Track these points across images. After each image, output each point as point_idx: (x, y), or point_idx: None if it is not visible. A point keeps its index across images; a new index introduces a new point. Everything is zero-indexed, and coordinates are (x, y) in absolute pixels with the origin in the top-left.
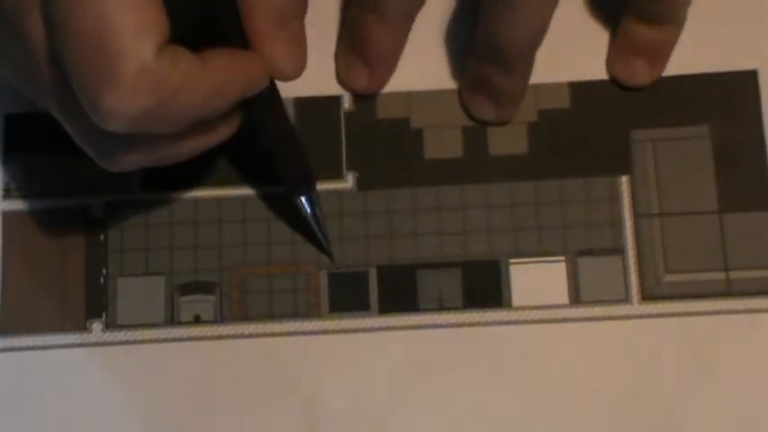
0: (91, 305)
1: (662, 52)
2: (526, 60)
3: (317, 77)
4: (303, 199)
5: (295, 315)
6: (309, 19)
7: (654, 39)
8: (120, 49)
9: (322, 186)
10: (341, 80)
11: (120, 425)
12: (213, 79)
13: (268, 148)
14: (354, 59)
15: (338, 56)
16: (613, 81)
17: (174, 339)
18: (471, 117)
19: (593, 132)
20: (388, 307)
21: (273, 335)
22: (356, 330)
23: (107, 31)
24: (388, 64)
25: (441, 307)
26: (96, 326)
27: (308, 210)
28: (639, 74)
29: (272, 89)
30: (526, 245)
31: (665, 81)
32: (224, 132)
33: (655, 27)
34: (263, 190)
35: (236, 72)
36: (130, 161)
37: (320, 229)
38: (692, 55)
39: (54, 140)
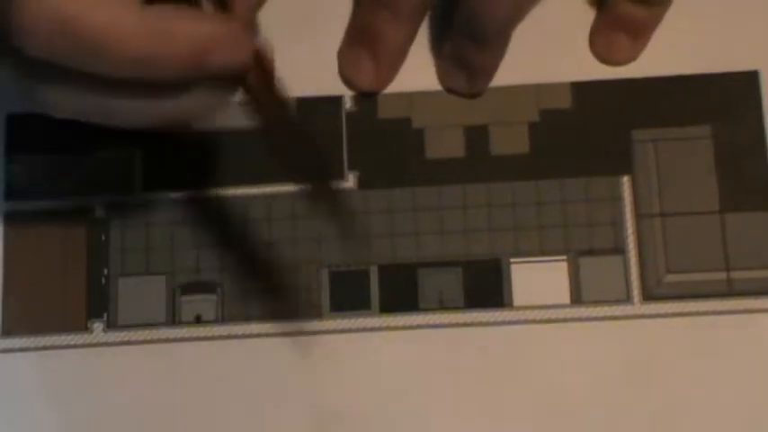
0: (92, 305)
1: (645, 30)
2: (502, 37)
3: (319, 77)
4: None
5: (296, 315)
6: (310, 19)
7: (639, 17)
8: None
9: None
10: (344, 76)
11: (122, 425)
12: (148, 18)
13: (278, 141)
14: (362, 54)
15: (343, 51)
16: (597, 58)
17: (175, 339)
18: (444, 87)
19: (594, 132)
20: (388, 306)
21: (274, 335)
22: (357, 330)
23: None
24: (396, 61)
25: (442, 306)
26: (98, 326)
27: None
28: (620, 49)
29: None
30: (527, 244)
31: (666, 81)
32: (188, 106)
33: (642, 6)
34: (265, 188)
35: (190, 25)
36: (62, 100)
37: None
38: (693, 55)
39: (55, 141)
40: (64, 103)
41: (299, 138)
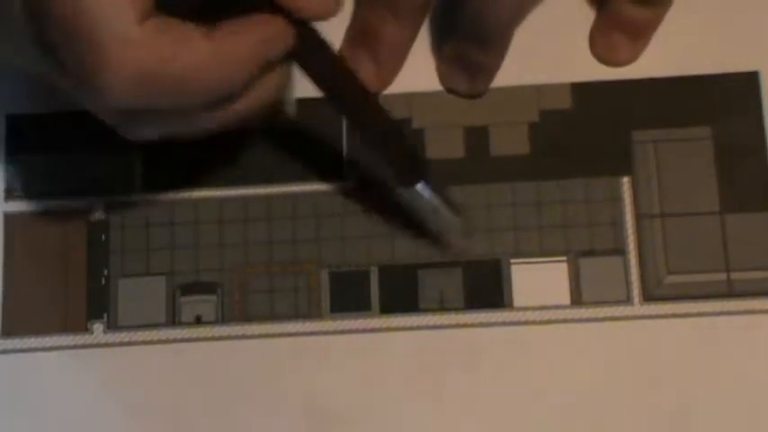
0: (92, 306)
1: (645, 31)
2: (504, 37)
3: None
4: (421, 185)
5: (296, 315)
6: None
7: (639, 17)
8: (97, 26)
9: (322, 185)
10: None
11: (122, 425)
12: (216, 47)
13: (367, 139)
14: (362, 55)
15: (344, 51)
16: (596, 58)
17: (175, 340)
18: (445, 88)
19: (594, 133)
20: (389, 307)
21: (274, 335)
22: (357, 331)
23: (82, 10)
24: (397, 61)
25: (442, 307)
26: (98, 327)
27: (428, 194)
28: (620, 50)
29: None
30: (527, 245)
31: (666, 82)
32: (255, 100)
33: (642, 6)
34: (265, 189)
35: (248, 36)
36: (150, 133)
37: (449, 204)
38: (693, 56)
39: (55, 141)
40: (153, 133)
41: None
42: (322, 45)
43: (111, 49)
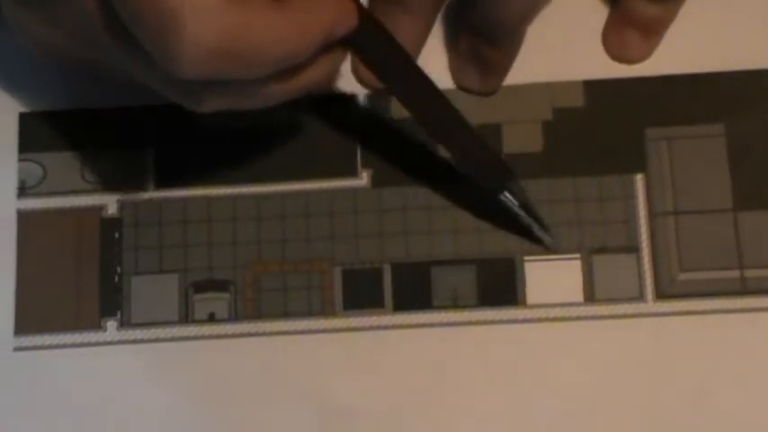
0: (105, 304)
1: (659, 28)
2: (517, 34)
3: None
4: (506, 193)
5: (309, 313)
6: None
7: (652, 14)
8: (178, 4)
9: (336, 183)
10: (358, 75)
11: (135, 423)
12: (289, 18)
13: (444, 144)
14: None
15: None
16: (609, 55)
17: (188, 338)
18: (458, 85)
19: (607, 130)
20: (402, 305)
21: (287, 333)
22: (370, 328)
23: None
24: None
25: (455, 305)
26: (111, 324)
27: (516, 202)
28: (633, 47)
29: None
30: (541, 243)
31: (679, 79)
32: (313, 77)
33: (655, 3)
34: (278, 186)
35: (317, 12)
36: (215, 104)
37: (534, 217)
38: (706, 53)
39: (68, 139)
40: (220, 103)
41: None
42: (386, 35)
43: (188, 18)
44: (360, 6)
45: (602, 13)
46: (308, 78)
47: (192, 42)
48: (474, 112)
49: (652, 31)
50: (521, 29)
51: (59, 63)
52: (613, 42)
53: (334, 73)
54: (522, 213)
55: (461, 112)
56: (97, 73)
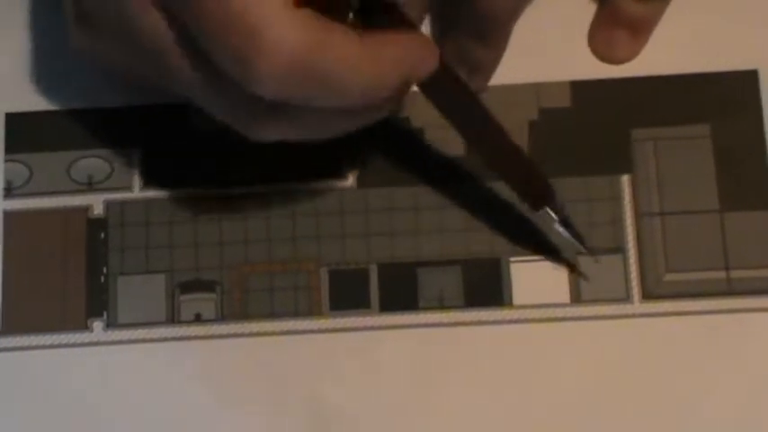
0: (92, 304)
1: (645, 27)
2: (503, 31)
3: None
4: (547, 209)
5: (296, 313)
6: None
7: (639, 13)
8: (250, 11)
9: (322, 184)
10: None
11: (121, 424)
12: (368, 50)
13: (494, 168)
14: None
15: None
16: (595, 55)
17: (174, 338)
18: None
19: (594, 131)
20: (388, 305)
21: (274, 333)
22: (357, 329)
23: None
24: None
25: (441, 305)
26: (97, 325)
27: (556, 218)
28: (620, 46)
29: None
30: (527, 243)
31: (665, 80)
32: (377, 115)
33: (642, 2)
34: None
35: (398, 47)
36: (276, 131)
37: (575, 235)
38: (693, 54)
39: (54, 139)
40: (278, 133)
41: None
42: (456, 78)
43: (265, 34)
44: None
45: (589, 14)
46: (372, 116)
47: (267, 59)
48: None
49: (639, 31)
50: (508, 26)
51: (112, 74)
52: (600, 42)
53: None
54: (562, 230)
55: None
56: (151, 86)
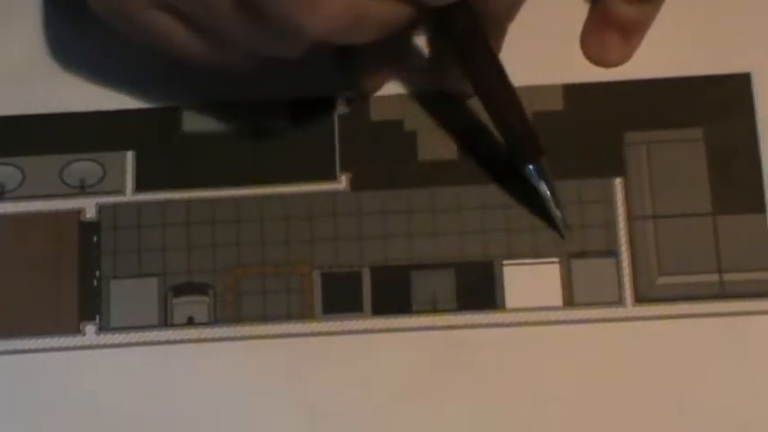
0: (84, 307)
1: (637, 30)
2: (500, 31)
3: (311, 79)
4: (531, 167)
5: (288, 317)
6: None
7: (631, 16)
8: None
9: (315, 187)
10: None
11: (115, 427)
12: None
13: (491, 108)
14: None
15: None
16: (587, 58)
17: (167, 341)
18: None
19: (586, 134)
20: (381, 308)
21: (267, 337)
22: (349, 332)
23: None
24: None
25: (434, 309)
26: (90, 328)
27: (538, 178)
28: (612, 49)
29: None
30: (520, 246)
31: (658, 83)
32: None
33: (634, 4)
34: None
35: None
36: (334, 14)
37: (554, 199)
38: (685, 57)
39: (47, 142)
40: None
41: (514, 100)
42: (473, 15)
43: None
44: None
45: (581, 17)
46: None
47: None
48: (455, 114)
49: (631, 34)
50: (505, 24)
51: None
52: (592, 45)
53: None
54: (542, 189)
55: (441, 115)
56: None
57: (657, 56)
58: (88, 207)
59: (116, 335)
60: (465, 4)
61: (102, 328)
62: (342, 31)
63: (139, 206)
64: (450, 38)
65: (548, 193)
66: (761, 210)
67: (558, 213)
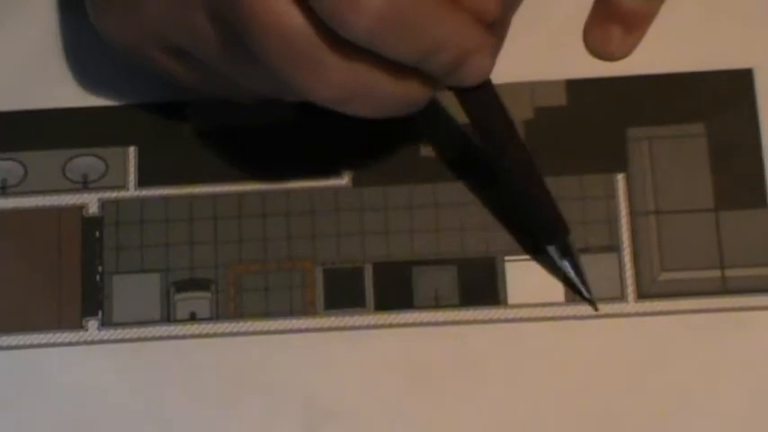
0: (87, 303)
1: (641, 23)
2: (503, 23)
3: None
4: (554, 247)
5: (290, 312)
6: None
7: (636, 8)
8: None
9: (317, 182)
10: None
11: (117, 423)
12: (442, 7)
13: (512, 181)
14: None
15: None
16: (590, 51)
17: (169, 337)
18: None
19: (589, 130)
20: (383, 304)
21: (269, 332)
22: (351, 328)
23: None
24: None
25: (436, 304)
26: (92, 324)
27: (559, 258)
28: (614, 42)
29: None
30: (522, 242)
31: (660, 79)
32: (417, 96)
33: None
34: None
35: (464, 26)
36: (340, 82)
37: (580, 279)
38: (688, 53)
39: (49, 138)
40: (345, 81)
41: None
42: (496, 93)
43: None
44: None
45: (585, 13)
46: (405, 92)
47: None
48: (457, 110)
49: (634, 27)
50: (508, 15)
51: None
52: (595, 37)
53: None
54: (567, 269)
55: (443, 110)
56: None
57: (660, 51)
58: (90, 202)
59: (118, 330)
60: (487, 85)
61: (104, 324)
62: (346, 100)
63: (142, 202)
64: (471, 116)
65: (572, 272)
66: (763, 205)
67: (586, 293)
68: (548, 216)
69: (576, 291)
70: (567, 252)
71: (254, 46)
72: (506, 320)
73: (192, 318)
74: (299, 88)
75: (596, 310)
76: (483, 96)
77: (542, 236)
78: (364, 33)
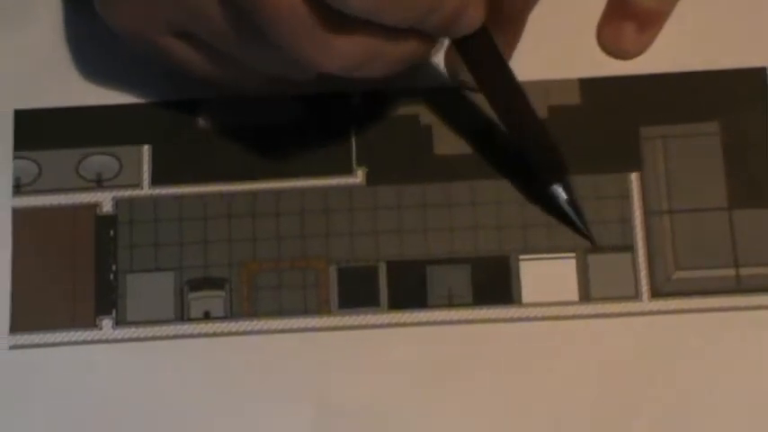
0: (101, 302)
1: (655, 21)
2: (519, 20)
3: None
4: (557, 186)
5: (304, 311)
6: None
7: (650, 6)
8: None
9: (331, 181)
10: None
11: (130, 421)
12: None
13: (513, 130)
14: None
15: None
16: (604, 49)
17: (183, 336)
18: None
19: (603, 129)
20: (397, 303)
21: (282, 331)
22: (365, 327)
23: None
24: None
25: (450, 303)
26: (106, 322)
27: (564, 197)
28: (628, 39)
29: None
30: (536, 241)
31: (674, 77)
32: (420, 51)
33: None
34: (273, 183)
35: None
36: (347, 52)
37: (579, 217)
38: (701, 52)
39: (63, 136)
40: (352, 52)
41: (537, 124)
42: (492, 41)
43: None
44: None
45: (598, 12)
46: (408, 52)
47: None
48: (471, 109)
49: (648, 25)
50: (524, 13)
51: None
52: (609, 36)
53: (418, 59)
54: (567, 208)
55: (456, 109)
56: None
57: (673, 50)
58: (104, 201)
59: (132, 329)
60: (483, 31)
61: (118, 323)
62: (355, 68)
63: (156, 200)
64: (470, 63)
65: (572, 212)
66: None
67: (585, 231)
68: (551, 157)
69: (577, 229)
70: (567, 191)
71: (262, 23)
72: (520, 319)
73: (206, 316)
74: (307, 63)
75: (594, 244)
76: (478, 41)
77: (547, 177)
78: (362, 9)
